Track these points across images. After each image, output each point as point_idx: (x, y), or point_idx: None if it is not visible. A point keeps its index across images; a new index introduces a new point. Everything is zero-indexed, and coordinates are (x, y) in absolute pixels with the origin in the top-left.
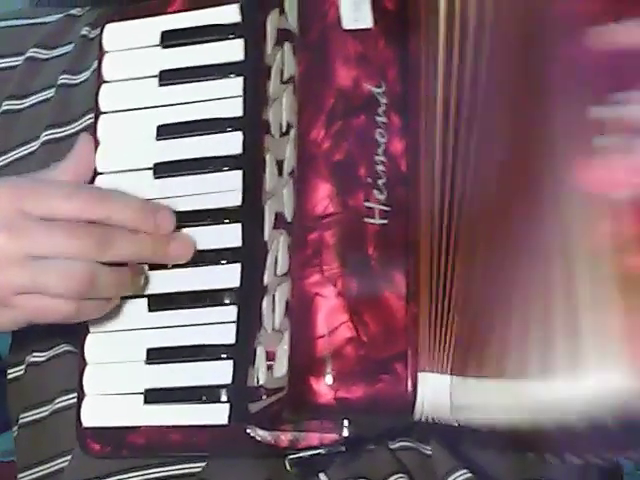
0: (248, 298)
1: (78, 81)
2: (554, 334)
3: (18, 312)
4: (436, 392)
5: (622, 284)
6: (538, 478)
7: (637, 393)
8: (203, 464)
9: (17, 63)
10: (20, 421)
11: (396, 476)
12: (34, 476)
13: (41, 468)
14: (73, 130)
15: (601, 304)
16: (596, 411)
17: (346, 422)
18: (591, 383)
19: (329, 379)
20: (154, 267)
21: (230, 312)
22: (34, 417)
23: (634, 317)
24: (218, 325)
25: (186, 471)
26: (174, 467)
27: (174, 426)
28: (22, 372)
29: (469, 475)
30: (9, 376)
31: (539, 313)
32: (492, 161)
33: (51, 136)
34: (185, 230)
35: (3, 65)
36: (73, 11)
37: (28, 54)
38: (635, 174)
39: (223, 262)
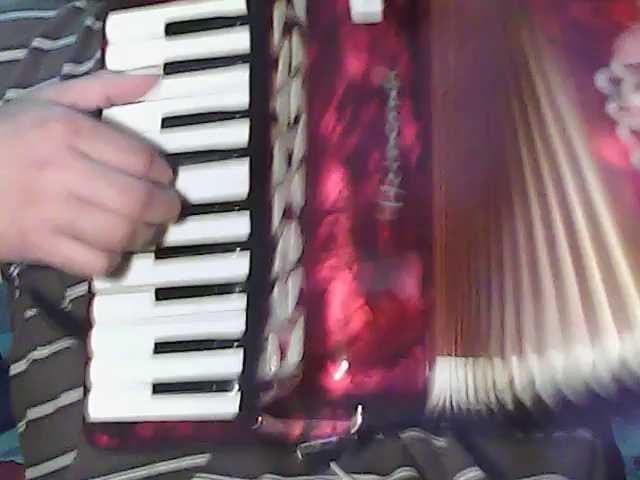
0: (257, 287)
1: (82, 71)
2: (570, 305)
3: (53, 253)
4: (452, 375)
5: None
6: (546, 473)
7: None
8: (207, 456)
9: (20, 56)
10: (26, 417)
11: (403, 468)
12: (42, 472)
13: (49, 464)
14: None
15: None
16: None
17: (360, 409)
18: (615, 347)
19: (346, 364)
20: (160, 257)
21: (239, 301)
22: (39, 414)
23: None
24: (227, 314)
25: (190, 464)
26: (178, 460)
27: (183, 418)
28: (25, 368)
29: (480, 473)
30: (12, 372)
31: (553, 287)
32: (505, 144)
33: None
34: (192, 221)
35: (8, 57)
36: (78, 3)
37: (33, 45)
38: None
39: (231, 252)
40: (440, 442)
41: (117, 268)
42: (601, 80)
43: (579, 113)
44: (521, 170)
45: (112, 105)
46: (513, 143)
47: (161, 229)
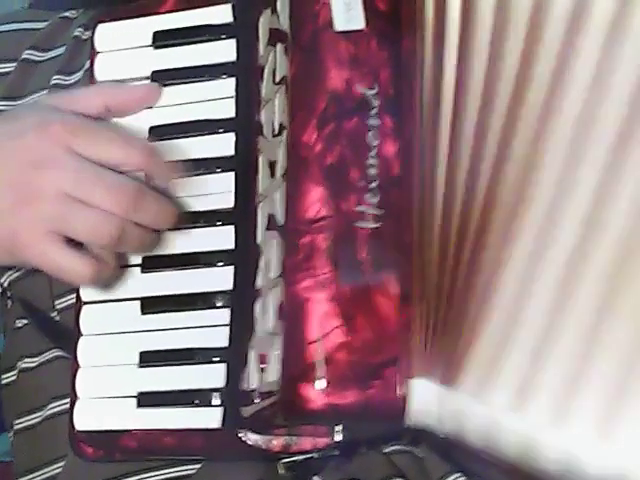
0: (241, 301)
1: (71, 81)
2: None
3: (42, 255)
4: (427, 399)
5: None
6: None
7: None
8: (197, 467)
9: (10, 69)
10: (15, 427)
11: None
12: None
13: (38, 474)
14: None
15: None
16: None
17: (339, 427)
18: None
19: (321, 384)
20: (146, 269)
21: (223, 315)
22: (27, 423)
23: None
24: (211, 328)
25: (180, 474)
26: (168, 471)
27: (167, 429)
28: (14, 378)
29: (463, 478)
30: (2, 382)
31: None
32: (487, 163)
33: None
34: (178, 232)
35: None
36: (67, 14)
37: (23, 56)
38: None
39: (216, 265)
40: (420, 453)
41: (107, 280)
42: None
43: None
44: (504, 189)
45: (112, 115)
46: (498, 159)
47: (154, 235)
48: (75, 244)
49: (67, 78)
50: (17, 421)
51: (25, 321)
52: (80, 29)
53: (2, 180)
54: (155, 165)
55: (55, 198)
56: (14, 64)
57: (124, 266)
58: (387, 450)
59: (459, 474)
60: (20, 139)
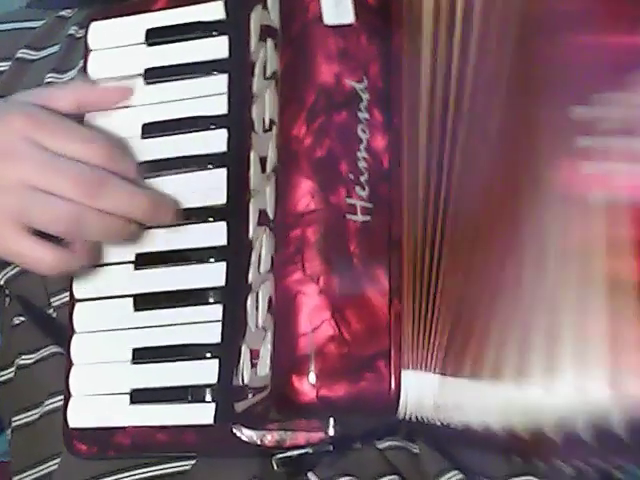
0: (233, 297)
1: (65, 79)
2: (533, 337)
3: (6, 246)
4: (419, 390)
5: (609, 289)
6: (530, 474)
7: (613, 403)
8: (192, 462)
9: (5, 68)
10: (13, 424)
11: (388, 477)
12: (28, 478)
13: (34, 471)
14: None
15: (584, 309)
16: (570, 420)
17: (332, 421)
18: (567, 391)
19: (311, 378)
20: (139, 266)
21: (215, 311)
22: (25, 420)
23: (617, 324)
24: (204, 324)
25: (175, 470)
26: (163, 466)
27: (160, 426)
28: (12, 375)
29: (460, 476)
30: (0, 379)
31: (519, 315)
32: (478, 159)
33: None
34: (170, 229)
35: None
36: (63, 12)
37: (17, 55)
38: (611, 177)
39: (209, 261)
40: (416, 450)
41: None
42: (578, 113)
43: (549, 138)
44: (504, 184)
45: (84, 112)
46: (490, 155)
47: (132, 225)
48: (45, 235)
49: (61, 76)
50: (15, 418)
51: (23, 318)
52: (75, 27)
53: None
54: (115, 162)
55: (17, 189)
56: (9, 63)
57: (117, 263)
58: (382, 446)
59: (456, 471)
60: None
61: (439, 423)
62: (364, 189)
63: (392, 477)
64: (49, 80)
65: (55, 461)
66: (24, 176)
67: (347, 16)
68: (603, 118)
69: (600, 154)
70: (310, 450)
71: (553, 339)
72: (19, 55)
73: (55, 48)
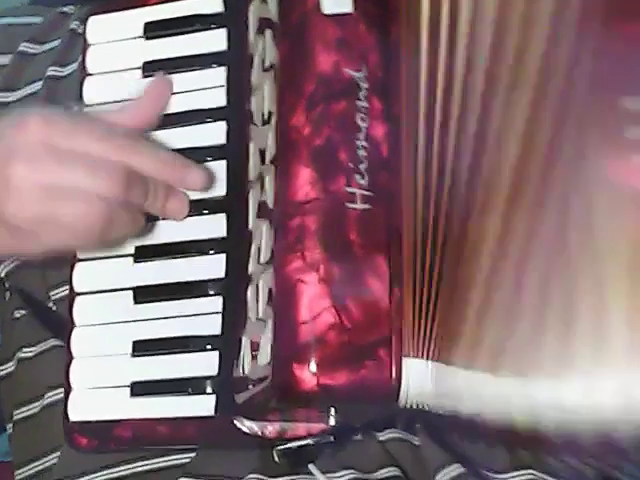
0: (234, 288)
1: (65, 73)
2: (545, 332)
3: (38, 242)
4: (420, 378)
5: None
6: (532, 467)
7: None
8: (193, 455)
9: (7, 62)
10: (14, 418)
11: (388, 469)
12: (29, 472)
13: (36, 464)
14: None
15: (602, 305)
16: (573, 424)
17: (333, 411)
18: (574, 394)
19: (312, 366)
20: (139, 258)
21: (216, 303)
22: (26, 413)
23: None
24: (204, 316)
25: (175, 462)
26: (163, 459)
27: (161, 418)
28: (12, 368)
29: (461, 469)
30: (1, 373)
31: (532, 309)
32: (482, 146)
33: None
34: (170, 221)
35: None
36: (65, 9)
37: (19, 49)
38: None
39: (209, 253)
40: (416, 441)
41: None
42: (628, 103)
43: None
44: (501, 174)
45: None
46: (494, 142)
47: (143, 220)
48: None
49: (62, 70)
50: (16, 412)
51: (23, 311)
52: (76, 22)
53: None
54: (135, 155)
55: (37, 192)
56: (9, 56)
57: (116, 256)
58: (383, 438)
59: (457, 464)
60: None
61: (440, 412)
62: (363, 177)
63: (393, 469)
64: (50, 74)
65: (56, 454)
66: (44, 182)
67: (346, 5)
68: None
69: None
70: (311, 441)
71: (567, 336)
72: (21, 49)
73: (57, 42)
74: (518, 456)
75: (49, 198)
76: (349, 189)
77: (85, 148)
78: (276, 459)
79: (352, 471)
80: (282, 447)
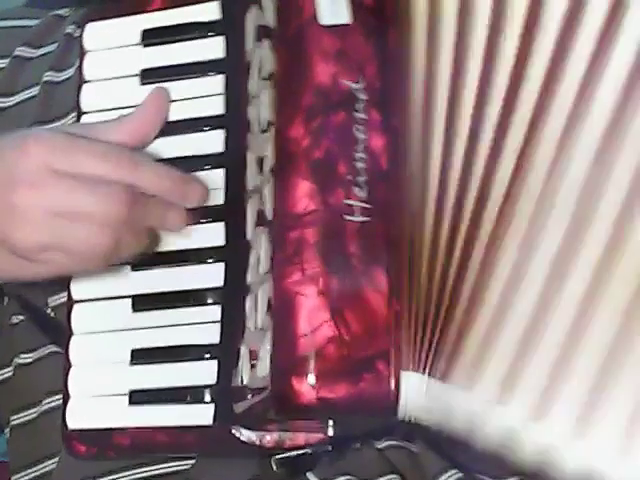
0: (232, 297)
1: (62, 78)
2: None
3: (42, 267)
4: (419, 391)
5: None
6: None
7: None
8: (191, 462)
9: (3, 65)
10: (11, 423)
11: (387, 476)
12: (26, 478)
13: (33, 470)
14: None
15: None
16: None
17: (331, 422)
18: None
19: (311, 379)
20: (137, 267)
21: (214, 312)
22: (24, 419)
23: None
24: (202, 325)
25: (174, 469)
26: (162, 465)
27: (160, 427)
28: (10, 374)
29: (459, 475)
30: None
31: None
32: (479, 158)
33: None
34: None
35: None
36: (60, 11)
37: (15, 53)
38: None
39: (207, 261)
40: (414, 448)
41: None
42: None
43: None
44: (498, 184)
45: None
46: (491, 154)
47: (151, 236)
48: None
49: (59, 75)
50: (14, 417)
51: (21, 317)
52: (72, 26)
53: None
54: (137, 172)
55: (42, 219)
56: (6, 61)
57: (114, 264)
58: (381, 446)
59: (455, 471)
60: (0, 160)
61: (436, 425)
62: (362, 190)
63: (392, 476)
64: (47, 79)
65: (53, 460)
66: (48, 205)
67: (343, 16)
68: None
69: None
70: (309, 450)
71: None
72: (17, 53)
73: (53, 47)
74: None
75: (55, 224)
76: (348, 201)
77: (87, 169)
78: (274, 468)
79: (350, 478)
80: (280, 456)
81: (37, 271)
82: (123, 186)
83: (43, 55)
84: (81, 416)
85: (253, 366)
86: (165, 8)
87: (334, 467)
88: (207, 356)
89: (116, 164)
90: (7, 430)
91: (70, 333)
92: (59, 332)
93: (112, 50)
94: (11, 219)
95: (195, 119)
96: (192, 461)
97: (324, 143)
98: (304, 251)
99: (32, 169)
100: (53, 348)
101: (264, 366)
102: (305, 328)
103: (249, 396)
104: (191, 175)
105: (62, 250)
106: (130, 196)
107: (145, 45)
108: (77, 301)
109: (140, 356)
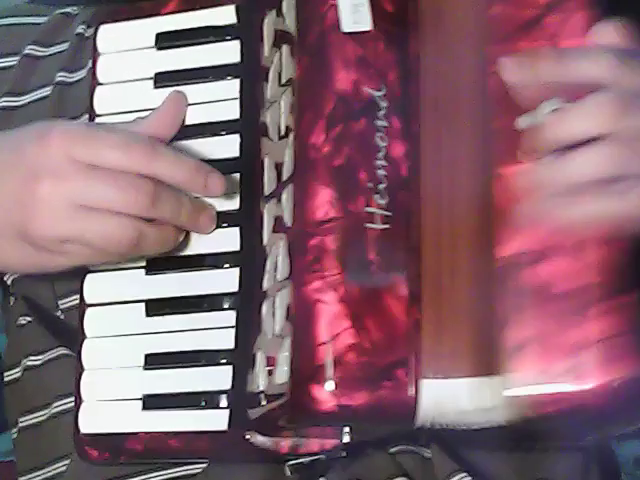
0: (247, 303)
1: (75, 79)
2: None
3: (64, 259)
4: (439, 398)
5: None
6: (540, 478)
7: None
8: (203, 466)
9: (13, 63)
10: (20, 425)
11: (397, 479)
12: None
13: (41, 472)
14: None
15: None
16: None
17: (347, 428)
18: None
19: (331, 386)
20: (151, 271)
21: (229, 317)
22: (32, 421)
23: None
24: (217, 330)
25: (186, 473)
26: (173, 470)
27: (173, 432)
28: (19, 375)
29: (469, 479)
30: (6, 378)
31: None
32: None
33: None
34: (183, 234)
35: (1, 65)
36: (68, 9)
37: (25, 51)
38: None
39: (222, 266)
40: (427, 453)
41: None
42: None
43: None
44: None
45: None
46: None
47: (175, 231)
48: None
49: (71, 75)
50: (22, 419)
51: (29, 318)
52: (83, 26)
53: (7, 195)
54: (159, 165)
55: (65, 211)
56: (15, 58)
57: (128, 268)
58: (392, 450)
59: (464, 474)
60: (20, 153)
61: (461, 428)
62: (383, 197)
63: (402, 479)
64: (59, 79)
65: (61, 463)
66: (71, 196)
67: (365, 23)
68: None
69: None
70: (323, 456)
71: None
72: (27, 51)
73: (64, 46)
74: (528, 468)
75: (77, 215)
76: (368, 209)
77: (108, 160)
78: (288, 473)
79: None
80: (294, 462)
81: (58, 262)
82: (145, 177)
83: (54, 54)
84: (94, 421)
85: (270, 372)
86: (180, 11)
87: (346, 471)
88: (222, 361)
89: (137, 154)
90: (14, 430)
91: (83, 337)
92: (69, 335)
93: (126, 53)
94: (32, 210)
95: (210, 123)
96: (204, 465)
97: (345, 150)
98: (324, 258)
99: (54, 160)
100: (63, 350)
101: (282, 372)
102: (325, 335)
103: (265, 402)
104: (212, 167)
105: (82, 241)
106: (152, 187)
107: (159, 48)
108: (90, 305)
109: (154, 361)
